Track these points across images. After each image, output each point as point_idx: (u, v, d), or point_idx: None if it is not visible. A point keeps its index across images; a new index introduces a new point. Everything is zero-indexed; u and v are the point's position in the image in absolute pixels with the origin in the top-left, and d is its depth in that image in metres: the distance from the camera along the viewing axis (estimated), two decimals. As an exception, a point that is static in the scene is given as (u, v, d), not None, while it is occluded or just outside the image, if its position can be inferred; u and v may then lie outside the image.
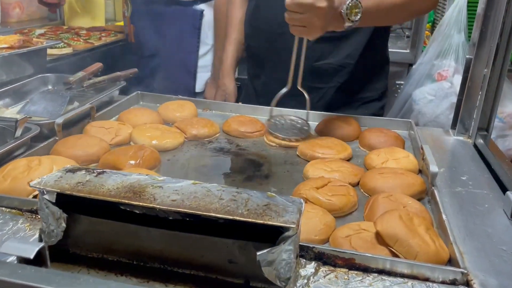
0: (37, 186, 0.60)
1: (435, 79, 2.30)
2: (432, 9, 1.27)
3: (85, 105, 1.10)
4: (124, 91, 1.39)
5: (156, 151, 1.00)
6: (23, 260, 0.49)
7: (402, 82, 2.50)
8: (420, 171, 0.96)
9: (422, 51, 2.43)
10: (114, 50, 2.13)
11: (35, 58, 1.40)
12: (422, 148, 0.95)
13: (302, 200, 0.60)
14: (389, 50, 1.37)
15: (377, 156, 0.99)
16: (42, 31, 2.14)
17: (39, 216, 0.72)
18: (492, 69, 1.07)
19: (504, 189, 0.87)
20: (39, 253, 0.50)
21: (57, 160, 0.87)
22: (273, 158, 1.06)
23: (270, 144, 1.12)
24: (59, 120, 0.99)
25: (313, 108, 1.20)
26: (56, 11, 2.53)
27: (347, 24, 0.98)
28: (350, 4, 0.96)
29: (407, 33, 2.91)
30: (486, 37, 1.09)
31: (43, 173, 0.79)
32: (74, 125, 1.08)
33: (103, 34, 2.24)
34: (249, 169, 1.00)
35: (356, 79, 1.31)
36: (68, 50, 1.91)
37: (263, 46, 1.35)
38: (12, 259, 0.57)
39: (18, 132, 0.89)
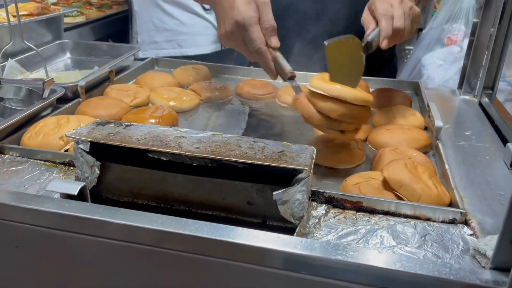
0: (73, 137, 0.66)
1: (445, 44, 2.30)
2: None
3: (105, 69, 1.15)
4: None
5: (173, 111, 1.06)
6: (67, 197, 0.56)
7: (411, 47, 2.50)
8: (426, 128, 1.01)
9: (432, 15, 2.42)
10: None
11: (53, 25, 1.44)
12: (428, 106, 0.99)
13: (314, 148, 0.66)
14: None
15: (385, 114, 1.03)
16: (54, -1, 2.17)
17: (71, 168, 0.79)
18: (499, 29, 1.09)
19: (505, 142, 0.91)
20: (81, 191, 0.56)
21: (82, 119, 0.93)
22: (285, 118, 1.11)
23: (282, 105, 1.17)
24: (82, 83, 1.05)
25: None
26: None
27: None
28: None
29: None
30: (493, -2, 1.11)
31: (72, 129, 0.85)
32: (95, 87, 1.13)
33: (113, 2, 2.27)
34: (263, 128, 1.05)
35: None
36: (81, 19, 1.95)
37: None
38: (55, 196, 0.63)
39: (46, 93, 0.95)
